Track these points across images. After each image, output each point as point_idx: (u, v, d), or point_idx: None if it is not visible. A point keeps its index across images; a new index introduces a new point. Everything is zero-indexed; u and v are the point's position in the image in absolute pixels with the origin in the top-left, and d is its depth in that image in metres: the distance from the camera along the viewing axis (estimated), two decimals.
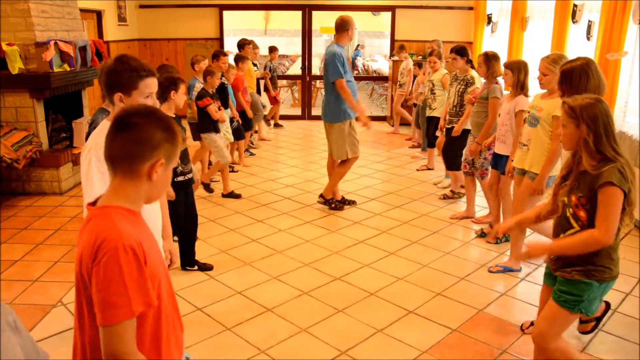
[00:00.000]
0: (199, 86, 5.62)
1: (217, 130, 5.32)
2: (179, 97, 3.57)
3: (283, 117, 10.36)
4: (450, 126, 5.22)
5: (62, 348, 2.91)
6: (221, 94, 5.97)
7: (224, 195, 5.59)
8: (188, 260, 3.94)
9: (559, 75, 2.88)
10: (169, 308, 1.56)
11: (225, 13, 10.02)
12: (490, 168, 4.56)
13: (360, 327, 3.19)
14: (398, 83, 8.71)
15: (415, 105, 8.24)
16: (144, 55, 9.79)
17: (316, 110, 10.37)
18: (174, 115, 3.65)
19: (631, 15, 4.97)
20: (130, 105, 1.52)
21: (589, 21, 5.82)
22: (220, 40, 9.93)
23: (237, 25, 14.69)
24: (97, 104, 7.62)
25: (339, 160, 5.20)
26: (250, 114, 6.87)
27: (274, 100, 9.15)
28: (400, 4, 9.81)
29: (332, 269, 3.96)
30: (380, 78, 12.30)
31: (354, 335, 3.10)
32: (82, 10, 7.00)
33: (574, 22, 6.17)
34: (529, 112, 3.54)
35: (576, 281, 2.22)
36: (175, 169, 3.62)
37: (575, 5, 6.10)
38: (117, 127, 1.45)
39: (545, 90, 3.51)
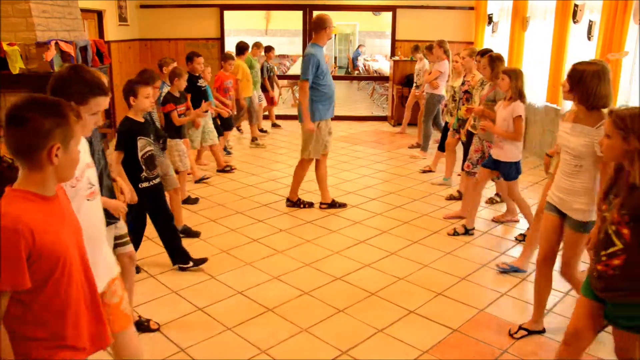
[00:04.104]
0: (165, 90, 5.42)
1: (180, 136, 5.22)
2: (140, 102, 3.47)
3: (284, 117, 10.36)
4: (477, 131, 5.01)
5: None
6: (198, 95, 5.94)
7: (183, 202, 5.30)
8: (179, 258, 3.90)
9: (570, 69, 2.78)
10: (78, 296, 1.64)
11: (226, 13, 10.02)
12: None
13: (361, 327, 3.19)
14: (414, 84, 8.38)
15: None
16: (145, 56, 9.80)
17: None
18: (142, 121, 3.57)
19: (632, 15, 4.97)
20: (18, 99, 1.55)
21: (590, 21, 5.82)
22: (221, 40, 9.93)
23: (238, 25, 14.69)
24: None
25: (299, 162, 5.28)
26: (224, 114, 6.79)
27: (271, 101, 9.13)
28: (401, 4, 9.81)
29: (332, 269, 3.96)
30: (381, 78, 12.29)
31: (355, 335, 3.10)
32: (83, 10, 7.00)
33: (574, 22, 6.17)
34: None
35: (635, 304, 2.11)
36: (139, 175, 3.55)
37: (576, 5, 6.10)
38: (9, 122, 1.52)
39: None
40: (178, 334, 3.10)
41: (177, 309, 3.38)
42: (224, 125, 6.90)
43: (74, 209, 1.98)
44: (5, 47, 5.23)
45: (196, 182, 6.07)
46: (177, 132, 5.16)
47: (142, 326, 3.13)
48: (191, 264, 3.92)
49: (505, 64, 4.82)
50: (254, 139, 8.02)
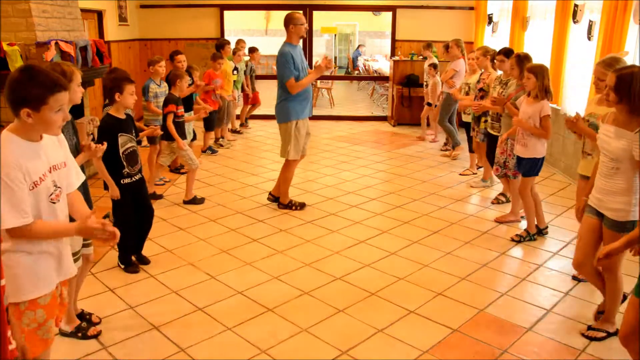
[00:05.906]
0: (153, 87, 5.53)
1: (183, 137, 5.25)
2: (125, 98, 3.55)
3: None
4: (493, 132, 5.03)
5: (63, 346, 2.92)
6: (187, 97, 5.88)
7: (185, 202, 5.33)
8: (122, 257, 3.87)
9: (614, 79, 2.71)
10: None
11: (226, 13, 10.03)
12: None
13: (361, 327, 3.19)
14: (425, 83, 8.29)
15: (429, 104, 8.16)
16: (145, 55, 9.80)
17: (316, 110, 10.36)
18: (123, 117, 3.62)
19: (632, 15, 4.97)
20: None
21: (590, 21, 5.82)
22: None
23: (238, 25, 14.69)
24: (97, 103, 7.63)
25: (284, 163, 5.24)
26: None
27: (253, 100, 9.03)
28: (401, 4, 9.81)
29: (332, 269, 3.96)
30: (381, 78, 12.29)
31: (355, 335, 3.10)
32: (83, 10, 7.00)
33: (574, 22, 6.17)
34: (588, 121, 3.43)
35: None
36: (121, 171, 3.62)
37: (576, 5, 6.10)
38: None
39: (598, 96, 3.40)
40: (178, 334, 3.10)
41: (177, 309, 3.38)
42: (207, 125, 7.17)
43: (34, 211, 1.93)
44: (5, 47, 5.22)
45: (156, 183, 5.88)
46: (181, 132, 5.21)
47: (84, 319, 3.11)
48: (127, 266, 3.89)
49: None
50: (217, 140, 7.85)
